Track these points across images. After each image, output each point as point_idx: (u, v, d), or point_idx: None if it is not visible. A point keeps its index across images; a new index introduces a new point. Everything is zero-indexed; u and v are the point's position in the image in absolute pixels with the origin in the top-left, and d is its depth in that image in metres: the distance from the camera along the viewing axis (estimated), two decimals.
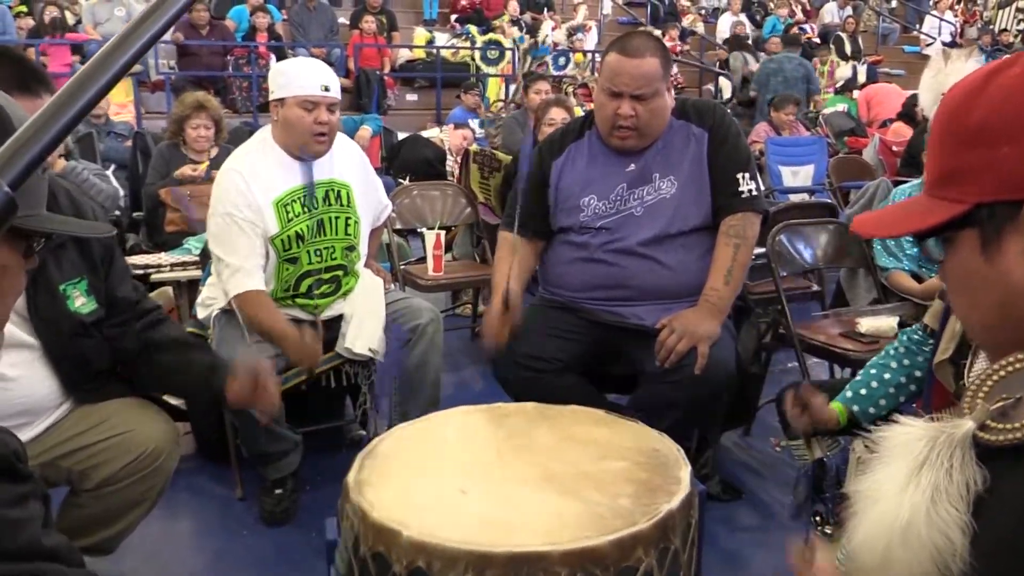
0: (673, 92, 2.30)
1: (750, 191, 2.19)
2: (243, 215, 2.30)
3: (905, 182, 3.53)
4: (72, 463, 1.71)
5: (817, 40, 11.25)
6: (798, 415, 1.73)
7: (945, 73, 3.01)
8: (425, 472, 1.47)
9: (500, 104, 8.37)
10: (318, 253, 2.41)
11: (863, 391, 1.75)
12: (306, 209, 2.36)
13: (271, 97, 2.39)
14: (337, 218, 2.43)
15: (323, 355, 2.40)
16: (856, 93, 9.82)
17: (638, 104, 2.14)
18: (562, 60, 9.96)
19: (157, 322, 1.83)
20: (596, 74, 8.07)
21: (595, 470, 1.44)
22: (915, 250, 2.76)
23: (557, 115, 3.91)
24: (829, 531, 1.90)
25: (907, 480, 0.75)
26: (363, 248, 2.56)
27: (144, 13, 0.50)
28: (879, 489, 0.78)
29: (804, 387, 1.73)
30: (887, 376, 1.74)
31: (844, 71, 10.69)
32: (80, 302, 1.69)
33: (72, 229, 1.32)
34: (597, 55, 8.99)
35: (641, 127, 2.16)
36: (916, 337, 1.77)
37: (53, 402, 1.72)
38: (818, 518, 1.93)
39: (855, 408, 1.73)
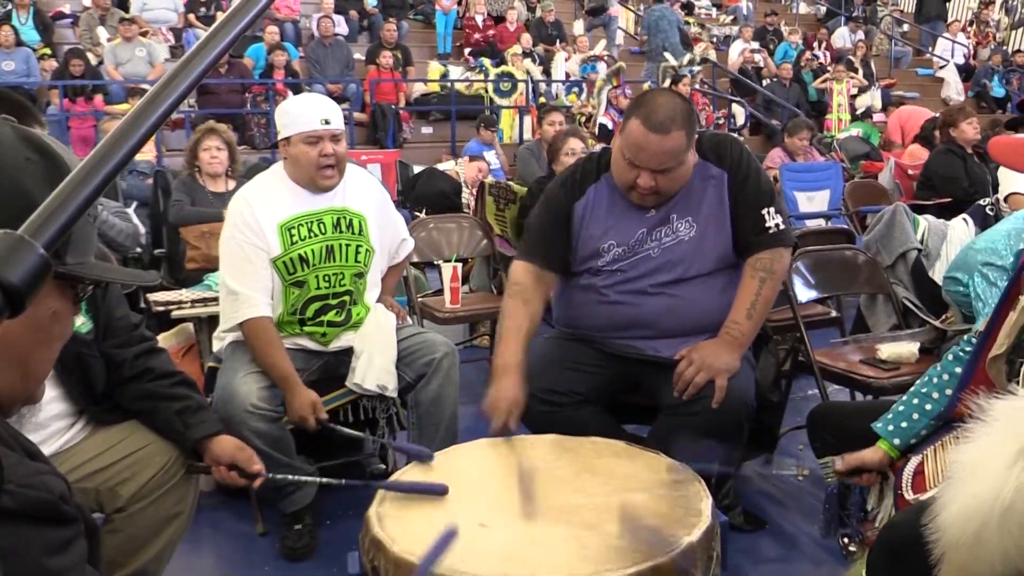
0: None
1: (777, 225, 2.15)
2: (247, 239, 2.35)
3: (922, 205, 3.53)
4: (98, 483, 1.73)
5: (830, 66, 11.29)
6: (860, 479, 1.74)
7: None
8: (446, 505, 1.47)
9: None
10: (327, 279, 2.43)
11: (904, 423, 1.73)
12: (313, 234, 2.40)
13: (279, 137, 2.45)
14: (348, 245, 2.46)
15: (334, 391, 2.42)
16: (875, 117, 9.88)
17: (659, 175, 2.08)
18: (575, 91, 10.04)
19: (153, 351, 1.85)
20: (611, 103, 8.12)
21: (615, 502, 1.44)
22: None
23: (576, 145, 3.93)
24: (853, 549, 1.88)
25: (1015, 457, 0.70)
26: (374, 278, 2.57)
27: (172, 72, 0.52)
28: (981, 463, 0.73)
29: (847, 457, 1.75)
30: (928, 407, 1.72)
31: (865, 99, 10.69)
32: (79, 321, 1.71)
33: (119, 277, 1.35)
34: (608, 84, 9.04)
35: (661, 192, 2.13)
36: (968, 349, 1.73)
37: (62, 419, 1.74)
38: (845, 539, 1.91)
39: (896, 442, 1.72)
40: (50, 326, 0.88)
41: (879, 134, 9.32)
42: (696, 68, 9.83)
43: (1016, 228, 2.56)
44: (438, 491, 1.51)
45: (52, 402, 1.72)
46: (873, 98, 10.90)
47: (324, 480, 2.01)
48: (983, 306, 2.43)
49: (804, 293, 3.00)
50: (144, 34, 9.12)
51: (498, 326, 2.25)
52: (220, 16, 0.63)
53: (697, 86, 9.34)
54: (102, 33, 9.26)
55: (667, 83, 8.51)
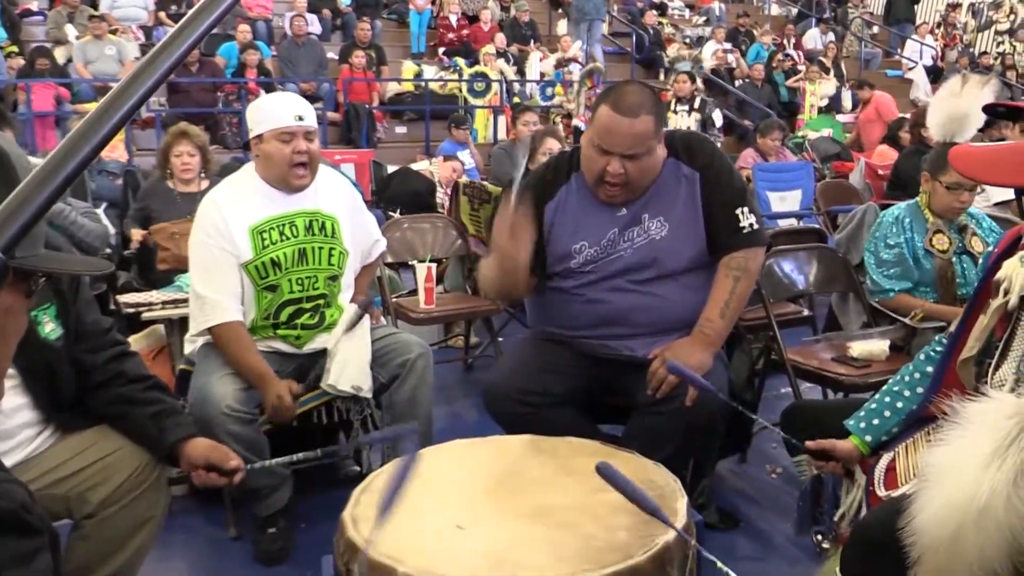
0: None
1: (751, 225, 2.15)
2: (216, 243, 2.32)
3: (892, 205, 3.57)
4: (66, 489, 1.70)
5: (802, 67, 11.40)
6: (825, 465, 1.75)
7: (959, 96, 3.03)
8: (421, 507, 1.46)
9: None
10: (299, 282, 2.41)
11: (876, 421, 1.75)
12: (284, 237, 2.37)
13: (250, 135, 2.41)
14: (321, 248, 2.44)
15: (309, 392, 2.40)
16: (839, 116, 10.02)
17: (628, 163, 2.07)
18: (549, 91, 10.05)
19: (125, 355, 1.83)
20: (587, 105, 8.13)
21: (591, 503, 1.44)
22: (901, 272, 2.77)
23: (553, 146, 3.93)
24: (826, 546, 1.90)
25: (990, 459, 0.71)
26: (347, 280, 2.55)
27: (135, 72, 0.50)
28: (956, 465, 0.73)
29: (819, 440, 1.75)
30: (900, 405, 1.74)
31: (827, 87, 10.82)
32: (49, 328, 1.68)
33: (71, 267, 1.32)
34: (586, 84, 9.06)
35: (631, 183, 2.11)
36: (940, 349, 1.75)
37: (30, 427, 1.71)
38: (819, 536, 1.93)
39: (868, 439, 1.74)
40: (4, 322, 0.87)
41: (842, 131, 9.45)
42: (703, 67, 10.03)
43: (902, 214, 2.91)
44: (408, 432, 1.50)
45: (20, 410, 1.69)
46: (844, 98, 11.04)
47: (301, 456, 1.92)
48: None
49: (776, 292, 3.03)
50: (114, 32, 8.99)
51: (484, 265, 2.19)
52: None
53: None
54: (71, 31, 9.11)
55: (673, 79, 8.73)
